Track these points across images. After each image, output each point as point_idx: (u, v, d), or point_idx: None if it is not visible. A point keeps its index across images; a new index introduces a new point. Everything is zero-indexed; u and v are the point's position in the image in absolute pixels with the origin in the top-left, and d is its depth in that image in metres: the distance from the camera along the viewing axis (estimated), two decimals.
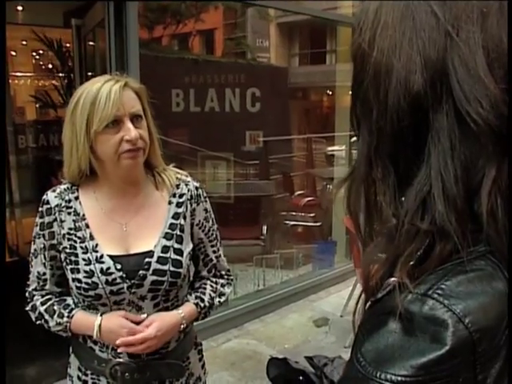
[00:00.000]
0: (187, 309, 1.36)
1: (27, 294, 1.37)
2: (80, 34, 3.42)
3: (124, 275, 1.26)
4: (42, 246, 1.31)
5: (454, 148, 0.53)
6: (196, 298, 1.40)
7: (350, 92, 0.68)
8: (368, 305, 0.63)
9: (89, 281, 1.24)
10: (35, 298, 1.35)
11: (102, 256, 1.26)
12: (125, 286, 1.26)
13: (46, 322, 1.32)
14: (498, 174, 0.53)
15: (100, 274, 1.25)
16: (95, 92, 1.21)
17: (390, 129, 0.59)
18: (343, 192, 0.71)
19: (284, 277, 4.39)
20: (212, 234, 1.44)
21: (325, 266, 4.62)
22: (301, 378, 1.11)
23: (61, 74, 5.66)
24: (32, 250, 1.35)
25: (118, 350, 1.26)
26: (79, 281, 1.25)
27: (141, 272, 1.27)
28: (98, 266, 1.25)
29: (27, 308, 1.37)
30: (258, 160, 5.62)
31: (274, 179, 5.76)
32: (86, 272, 1.25)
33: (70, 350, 1.40)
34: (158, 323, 1.27)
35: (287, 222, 5.24)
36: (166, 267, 1.28)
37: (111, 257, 1.27)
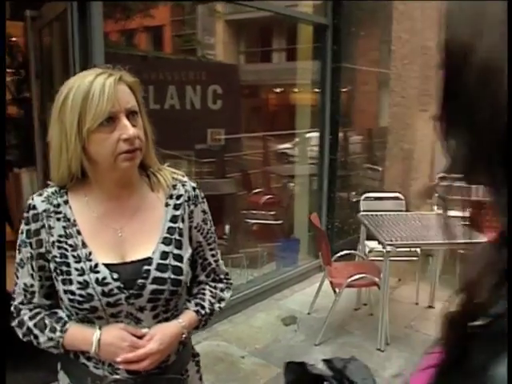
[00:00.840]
0: (187, 317, 1.29)
1: (12, 309, 1.25)
2: (35, 27, 3.21)
3: (121, 285, 1.16)
4: (29, 255, 1.20)
5: None
6: (196, 305, 1.33)
7: (442, 95, 0.64)
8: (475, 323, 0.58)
9: (83, 292, 1.14)
10: (22, 312, 1.23)
11: (96, 265, 1.17)
12: (122, 296, 1.17)
13: (36, 337, 1.20)
14: None
15: (95, 285, 1.15)
16: (87, 86, 1.10)
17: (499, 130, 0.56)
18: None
19: (249, 276, 4.34)
20: (210, 237, 1.36)
21: (288, 264, 4.62)
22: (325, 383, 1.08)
23: (9, 70, 5.34)
24: (17, 260, 1.22)
25: (119, 367, 1.17)
26: (72, 293, 1.15)
27: (139, 281, 1.18)
28: (92, 276, 1.15)
29: (13, 324, 1.24)
30: (215, 158, 5.54)
31: (232, 177, 5.71)
32: (79, 283, 1.15)
33: (59, 367, 1.29)
34: (159, 336, 1.19)
35: (248, 220, 5.19)
36: (166, 275, 1.20)
37: (107, 265, 1.17)
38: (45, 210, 1.19)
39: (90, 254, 1.17)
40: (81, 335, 1.18)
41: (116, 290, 1.16)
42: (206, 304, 1.34)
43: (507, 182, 0.55)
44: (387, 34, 5.19)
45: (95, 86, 1.10)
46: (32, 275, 1.21)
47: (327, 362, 1.16)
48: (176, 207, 1.28)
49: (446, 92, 0.63)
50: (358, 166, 5.61)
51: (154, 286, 1.18)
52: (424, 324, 3.87)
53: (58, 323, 1.20)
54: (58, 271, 1.17)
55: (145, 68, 5.80)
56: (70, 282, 1.15)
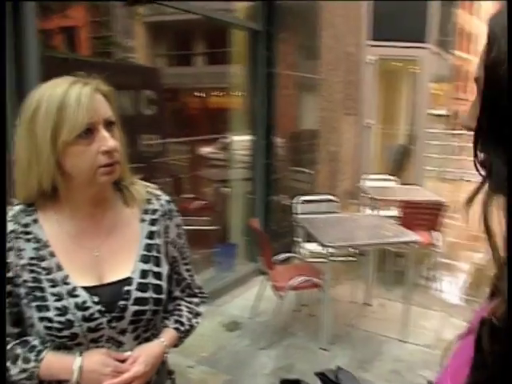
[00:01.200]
0: (168, 335, 1.24)
1: None
2: None
3: (102, 309, 1.10)
4: None
5: None
6: (175, 322, 1.28)
7: (481, 108, 0.65)
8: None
9: (62, 319, 1.06)
10: None
11: (74, 289, 1.09)
12: (104, 320, 1.10)
13: (7, 369, 1.09)
14: None
15: (75, 310, 1.07)
16: (61, 96, 1.03)
17: None
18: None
19: None
20: (185, 252, 1.32)
21: (226, 269, 4.59)
22: None
23: None
24: None
25: None
26: (50, 320, 1.06)
27: (121, 303, 1.12)
28: (71, 300, 1.08)
29: None
30: (141, 164, 5.40)
31: (159, 182, 5.58)
32: (57, 309, 1.06)
33: None
34: (143, 358, 1.13)
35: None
36: (147, 294, 1.15)
37: (85, 288, 1.10)
38: (13, 231, 1.10)
39: (67, 277, 1.09)
40: (59, 364, 1.09)
41: (97, 314, 1.09)
42: (185, 320, 1.30)
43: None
44: (316, 40, 5.34)
45: (71, 95, 1.03)
46: None
47: (320, 375, 1.15)
48: (152, 223, 1.22)
49: (487, 113, 0.64)
50: (287, 169, 5.69)
51: (136, 307, 1.13)
52: (363, 321, 4.01)
53: (31, 352, 1.09)
54: (31, 297, 1.08)
55: (64, 70, 5.54)
56: (47, 308, 1.06)
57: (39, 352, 1.09)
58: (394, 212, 4.98)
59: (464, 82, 29.65)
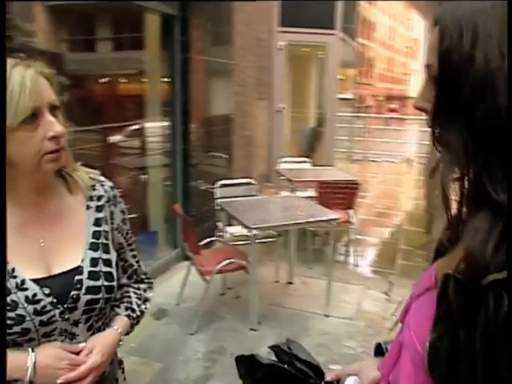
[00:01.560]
0: (121, 323, 1.23)
1: None
2: None
3: (54, 300, 1.06)
4: None
5: None
6: (126, 309, 1.27)
7: (437, 91, 0.72)
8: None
9: (12, 314, 1.01)
10: None
11: (23, 281, 1.03)
12: (56, 312, 1.06)
13: None
14: None
15: (26, 304, 1.02)
16: (8, 81, 0.97)
17: (497, 124, 0.65)
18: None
19: None
20: (130, 238, 1.30)
21: (148, 257, 4.51)
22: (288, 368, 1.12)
23: None
24: None
25: None
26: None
27: (73, 293, 1.08)
28: (21, 294, 1.02)
29: None
30: None
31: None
32: (9, 305, 1.01)
33: None
34: (99, 347, 1.11)
35: None
36: (99, 283, 1.12)
37: (34, 281, 1.05)
38: None
39: (14, 270, 1.03)
40: (11, 363, 1.01)
41: (49, 307, 1.05)
42: (135, 306, 1.29)
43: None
44: (229, 26, 5.34)
45: (14, 78, 0.97)
46: None
47: (274, 347, 1.20)
48: (98, 209, 1.20)
49: (443, 96, 0.71)
50: (202, 154, 5.68)
51: (89, 297, 1.10)
52: (287, 299, 4.14)
53: None
54: None
55: None
56: None
57: None
58: (311, 193, 5.15)
59: (367, 68, 31.12)
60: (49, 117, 1.02)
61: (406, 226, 7.15)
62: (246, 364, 1.15)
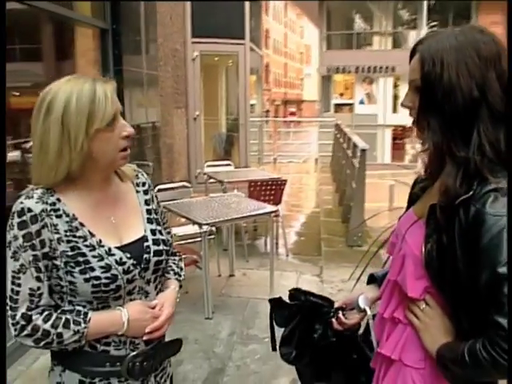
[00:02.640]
0: (174, 284, 1.50)
1: (19, 318, 1.23)
2: None
3: (134, 262, 1.32)
4: (32, 258, 1.22)
5: (488, 128, 1.07)
6: (174, 273, 1.53)
7: (421, 97, 1.15)
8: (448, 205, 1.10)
9: (108, 274, 1.26)
10: (33, 317, 1.23)
11: (110, 249, 1.29)
12: (136, 272, 1.32)
13: (59, 336, 1.23)
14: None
15: (117, 265, 1.28)
16: (90, 92, 1.23)
17: (456, 113, 1.08)
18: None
19: None
20: (164, 217, 1.56)
21: None
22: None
23: None
24: (16, 268, 1.23)
25: (144, 338, 1.33)
26: (97, 278, 1.24)
27: (145, 256, 1.35)
28: (111, 258, 1.28)
29: (24, 333, 1.23)
30: None
31: None
32: (102, 267, 1.25)
33: (59, 371, 1.33)
34: (168, 302, 1.40)
35: None
36: (161, 247, 1.40)
37: (117, 248, 1.31)
38: (43, 210, 1.23)
39: (100, 241, 1.29)
40: (108, 319, 1.28)
41: (131, 267, 1.31)
42: (180, 271, 1.56)
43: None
44: (154, 38, 5.59)
45: (99, 90, 1.24)
46: (38, 277, 1.24)
47: (292, 291, 1.56)
48: (145, 192, 1.48)
49: (424, 104, 1.13)
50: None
51: (156, 258, 1.38)
52: (233, 290, 4.49)
53: (78, 316, 1.26)
54: (73, 264, 1.24)
55: None
56: (92, 269, 1.24)
57: (85, 314, 1.26)
58: (239, 193, 5.54)
59: (265, 74, 32.28)
60: (121, 120, 1.30)
61: (323, 217, 7.79)
62: (275, 305, 1.51)
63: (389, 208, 14.71)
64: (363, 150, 6.10)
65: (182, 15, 7.34)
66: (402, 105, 1.22)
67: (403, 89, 25.64)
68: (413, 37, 25.38)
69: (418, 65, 1.15)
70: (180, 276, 1.55)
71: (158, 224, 1.45)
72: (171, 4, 6.62)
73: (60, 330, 1.24)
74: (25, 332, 1.23)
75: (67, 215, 1.27)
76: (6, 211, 1.32)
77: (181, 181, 5.28)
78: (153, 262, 1.37)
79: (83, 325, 1.25)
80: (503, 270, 0.98)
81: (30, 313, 1.24)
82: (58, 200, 1.28)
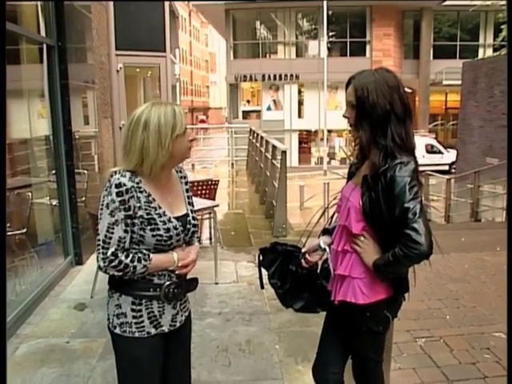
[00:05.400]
0: (196, 244, 2.12)
1: (109, 255, 1.81)
2: None
3: (182, 228, 1.95)
4: (123, 216, 1.80)
5: (396, 127, 1.82)
6: (196, 237, 2.13)
7: (357, 113, 1.86)
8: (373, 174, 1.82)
9: (168, 234, 1.89)
10: (119, 255, 1.82)
11: (170, 218, 1.91)
12: (182, 235, 1.96)
13: (134, 268, 1.82)
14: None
15: (173, 230, 1.91)
16: (171, 112, 1.85)
17: (378, 119, 1.81)
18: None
19: (18, 286, 4.52)
20: (192, 202, 2.14)
21: (50, 263, 4.95)
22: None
23: None
24: (110, 222, 1.80)
25: (176, 272, 1.94)
26: (160, 235, 1.87)
27: (187, 226, 1.99)
28: (170, 224, 1.90)
29: (112, 265, 1.81)
30: None
31: None
32: (165, 230, 1.88)
33: (116, 297, 1.91)
34: (193, 251, 2.04)
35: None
36: (195, 222, 2.06)
37: (174, 218, 1.93)
38: (132, 186, 1.82)
39: (164, 212, 1.90)
40: (165, 258, 1.90)
41: (180, 232, 1.94)
42: (198, 235, 2.18)
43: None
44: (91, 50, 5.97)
45: (176, 110, 1.86)
46: (125, 230, 1.82)
47: (272, 243, 2.22)
48: (185, 183, 2.11)
49: (358, 114, 1.84)
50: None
51: (193, 228, 2.03)
52: None
53: (145, 256, 1.86)
54: (146, 223, 1.84)
55: None
56: (158, 229, 1.86)
57: (148, 255, 1.87)
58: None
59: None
60: (189, 129, 1.91)
61: (248, 215, 8.52)
62: (262, 251, 2.16)
63: (300, 207, 15.82)
64: (284, 152, 6.88)
65: (106, 28, 7.72)
66: (344, 116, 1.94)
67: (307, 95, 27.37)
68: (314, 46, 27.15)
69: (353, 91, 1.88)
70: (199, 238, 2.17)
71: (192, 206, 2.09)
72: (96, 17, 6.99)
73: (135, 263, 1.84)
74: (112, 264, 1.82)
75: (145, 192, 1.86)
76: None
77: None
78: (190, 230, 2.02)
79: (148, 261, 1.86)
80: (407, 204, 1.73)
81: (117, 252, 1.82)
82: (140, 181, 1.86)
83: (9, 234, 5.04)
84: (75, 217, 5.30)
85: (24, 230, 5.20)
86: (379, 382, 2.18)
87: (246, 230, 7.26)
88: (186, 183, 2.11)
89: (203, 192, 5.80)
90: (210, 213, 5.91)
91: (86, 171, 6.52)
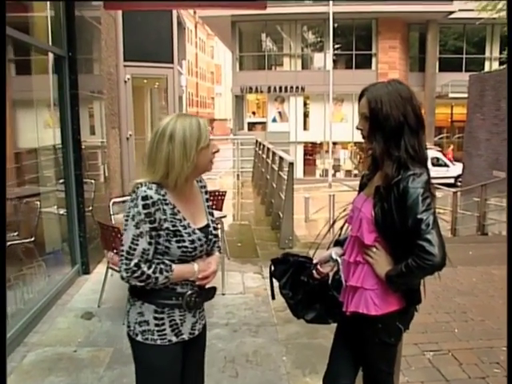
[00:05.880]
0: (217, 254, 2.12)
1: (132, 266, 1.81)
2: None
3: (205, 239, 1.96)
4: (148, 229, 1.81)
5: (409, 139, 1.82)
6: (217, 246, 2.12)
7: (370, 124, 1.87)
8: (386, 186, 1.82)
9: (193, 246, 1.90)
10: (142, 265, 1.82)
11: (194, 230, 1.92)
12: (205, 246, 1.97)
13: (156, 279, 1.83)
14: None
15: (197, 241, 1.92)
16: (197, 124, 1.86)
17: (391, 132, 1.82)
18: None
19: (26, 294, 4.52)
20: (212, 212, 2.15)
21: (57, 272, 4.96)
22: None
23: None
24: (135, 234, 1.81)
25: (197, 282, 1.95)
26: (186, 247, 1.88)
27: (210, 236, 2.00)
28: (195, 236, 1.91)
29: (134, 275, 1.81)
30: None
31: None
32: (190, 241, 1.89)
33: (139, 305, 1.91)
34: (214, 261, 2.04)
35: None
36: (216, 232, 2.06)
37: (198, 229, 1.94)
38: (159, 199, 1.82)
39: (189, 224, 1.91)
40: (187, 269, 1.91)
41: (204, 243, 1.95)
42: (219, 245, 2.16)
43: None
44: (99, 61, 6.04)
45: (201, 123, 1.88)
46: (149, 242, 1.83)
47: (284, 254, 2.22)
48: (205, 193, 2.10)
49: (371, 126, 1.85)
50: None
51: (214, 238, 2.04)
52: None
53: (167, 267, 1.87)
54: (171, 235, 1.85)
55: None
56: (184, 241, 1.87)
57: (171, 266, 1.87)
58: None
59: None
60: (212, 141, 1.92)
61: (254, 226, 8.51)
62: (273, 262, 2.17)
63: (305, 219, 15.78)
64: (291, 164, 6.89)
65: (115, 39, 7.80)
66: (357, 128, 1.95)
67: (312, 107, 27.45)
68: (320, 58, 27.29)
69: (366, 103, 1.88)
70: (219, 248, 2.18)
71: (212, 216, 2.09)
72: (105, 29, 7.07)
73: (157, 275, 1.85)
74: (135, 275, 1.82)
75: (171, 204, 1.87)
76: None
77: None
78: (212, 240, 2.02)
79: (170, 273, 1.87)
80: (420, 216, 1.72)
81: (140, 264, 1.82)
82: (166, 193, 1.86)
83: (17, 242, 5.08)
84: (83, 226, 5.32)
85: (32, 239, 5.23)
86: None
87: (252, 242, 7.25)
88: (206, 193, 2.11)
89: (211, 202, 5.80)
90: (217, 223, 5.92)
91: (93, 181, 6.57)
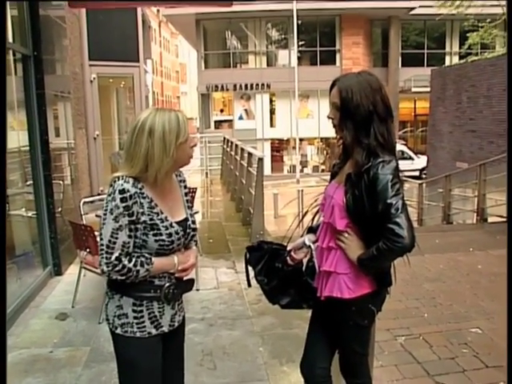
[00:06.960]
0: (195, 248, 2.15)
1: (113, 259, 1.83)
2: None
3: (182, 233, 1.98)
4: (127, 222, 1.83)
5: (379, 127, 1.91)
6: (194, 240, 2.14)
7: (341, 113, 1.95)
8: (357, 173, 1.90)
9: (170, 239, 1.92)
10: (122, 259, 1.84)
11: (171, 224, 1.94)
12: (183, 239, 1.99)
13: (137, 272, 1.85)
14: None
15: (175, 234, 1.94)
16: (175, 119, 1.87)
17: (362, 120, 1.90)
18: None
19: None
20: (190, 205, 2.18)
21: (29, 274, 4.89)
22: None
23: None
24: (114, 228, 1.82)
25: (176, 275, 1.98)
26: (163, 240, 1.90)
27: (188, 230, 2.02)
28: (172, 229, 1.93)
29: (115, 269, 1.83)
30: None
31: None
32: (167, 234, 1.91)
33: (117, 298, 1.94)
34: (193, 255, 2.08)
35: None
36: (194, 226, 2.08)
37: (175, 223, 1.95)
38: (135, 192, 1.84)
39: (166, 217, 1.93)
40: (167, 262, 1.94)
41: (181, 237, 1.98)
42: (196, 239, 2.18)
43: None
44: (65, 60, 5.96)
45: (179, 117, 1.89)
46: (129, 235, 1.85)
47: (259, 241, 2.28)
48: (184, 187, 2.12)
49: (342, 115, 1.93)
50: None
51: (193, 233, 2.06)
52: None
53: (147, 259, 1.89)
54: (149, 229, 1.87)
55: None
56: (161, 234, 1.89)
57: (151, 259, 1.90)
58: None
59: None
60: (191, 135, 1.94)
61: (224, 222, 8.56)
62: (248, 249, 2.23)
63: (274, 215, 15.88)
64: (260, 159, 6.96)
65: (79, 38, 7.70)
66: (328, 117, 2.03)
67: (278, 104, 27.60)
68: (285, 55, 27.46)
69: (337, 93, 1.96)
70: (196, 242, 2.20)
71: (191, 210, 2.12)
72: (70, 28, 6.97)
73: (138, 268, 1.87)
74: (116, 269, 1.84)
75: (148, 197, 1.89)
76: None
77: (98, 194, 5.68)
78: (190, 234, 2.05)
79: (150, 265, 1.89)
80: (390, 200, 1.82)
81: (120, 257, 1.84)
82: (143, 187, 1.88)
83: None
84: (53, 227, 5.26)
85: None
86: (365, 374, 2.26)
87: (223, 238, 7.30)
88: (185, 187, 2.13)
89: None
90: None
91: (61, 182, 6.49)
